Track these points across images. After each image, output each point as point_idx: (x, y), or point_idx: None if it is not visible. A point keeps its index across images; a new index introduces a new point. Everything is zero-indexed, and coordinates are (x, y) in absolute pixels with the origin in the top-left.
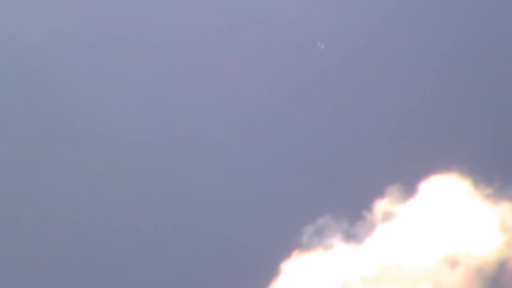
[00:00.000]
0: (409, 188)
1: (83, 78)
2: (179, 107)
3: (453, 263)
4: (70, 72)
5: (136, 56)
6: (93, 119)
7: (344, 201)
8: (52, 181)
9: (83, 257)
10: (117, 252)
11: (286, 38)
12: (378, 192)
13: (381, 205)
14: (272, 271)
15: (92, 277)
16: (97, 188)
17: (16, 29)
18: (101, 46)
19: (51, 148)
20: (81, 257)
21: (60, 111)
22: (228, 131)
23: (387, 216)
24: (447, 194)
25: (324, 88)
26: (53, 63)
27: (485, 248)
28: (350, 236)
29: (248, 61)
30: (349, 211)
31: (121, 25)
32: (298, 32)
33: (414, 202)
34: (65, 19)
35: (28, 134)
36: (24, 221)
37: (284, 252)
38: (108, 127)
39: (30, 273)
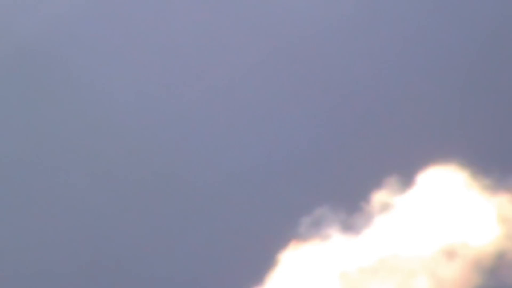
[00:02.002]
0: (407, 179)
1: (84, 66)
2: (180, 99)
3: (451, 255)
4: (70, 60)
5: (139, 44)
6: (94, 107)
7: (341, 191)
8: (50, 173)
9: (80, 254)
10: (112, 243)
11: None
12: (376, 183)
13: (379, 196)
14: (269, 262)
15: (89, 273)
16: (94, 181)
17: (13, 15)
18: (101, 33)
19: (50, 138)
20: (77, 254)
21: (59, 99)
22: (223, 121)
23: (385, 207)
24: (445, 185)
25: (320, 77)
26: (52, 51)
27: (484, 240)
28: (348, 227)
29: (246, 57)
30: (347, 202)
31: (122, 11)
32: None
33: (412, 193)
34: (63, 4)
35: (27, 124)
36: (23, 215)
37: (281, 243)
38: (110, 117)
39: (27, 270)
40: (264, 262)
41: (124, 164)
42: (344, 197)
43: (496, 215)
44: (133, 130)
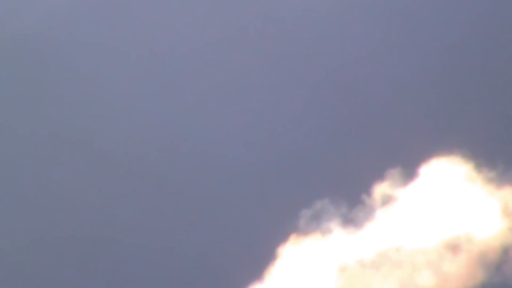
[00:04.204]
0: (409, 172)
1: (82, 59)
2: (181, 98)
3: (454, 249)
4: (68, 51)
5: (139, 38)
6: (93, 101)
7: (342, 184)
8: (49, 166)
9: (78, 252)
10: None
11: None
12: (377, 175)
13: (380, 189)
14: (268, 256)
15: (87, 270)
16: (91, 178)
17: (12, 8)
18: (100, 25)
19: (49, 133)
20: (76, 252)
21: (57, 91)
22: (225, 113)
23: (387, 200)
24: (449, 177)
25: (322, 71)
26: (50, 42)
27: (488, 234)
28: (349, 220)
29: (247, 55)
30: (348, 194)
31: (121, 3)
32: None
33: (414, 185)
34: None
35: (25, 116)
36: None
37: (281, 237)
38: (109, 112)
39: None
40: (264, 256)
41: (123, 160)
42: (345, 189)
43: (500, 209)
44: (132, 125)
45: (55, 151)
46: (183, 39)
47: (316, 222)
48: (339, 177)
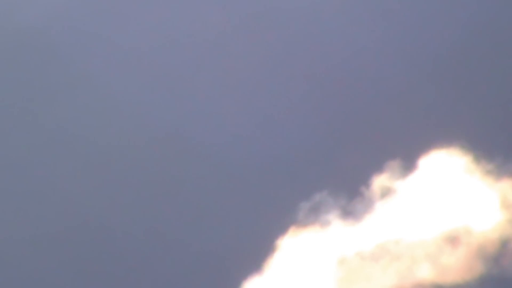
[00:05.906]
0: (408, 164)
1: (83, 57)
2: (181, 96)
3: (453, 241)
4: (69, 50)
5: (138, 34)
6: (94, 98)
7: (341, 176)
8: (49, 167)
9: (77, 252)
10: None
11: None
12: (376, 167)
13: (379, 181)
14: (267, 248)
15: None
16: (92, 174)
17: (12, 5)
18: (101, 24)
19: (49, 131)
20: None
21: (58, 91)
22: (225, 106)
23: (386, 192)
24: (448, 170)
25: (321, 62)
26: (52, 41)
27: (487, 226)
28: (348, 213)
29: (247, 53)
30: (347, 186)
31: (122, 2)
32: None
33: (413, 178)
34: None
35: (25, 113)
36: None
37: (280, 229)
38: (109, 112)
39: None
40: (263, 248)
41: (122, 158)
42: (344, 182)
43: (499, 201)
44: (131, 123)
45: (55, 148)
46: (183, 38)
47: (315, 214)
48: (338, 169)
